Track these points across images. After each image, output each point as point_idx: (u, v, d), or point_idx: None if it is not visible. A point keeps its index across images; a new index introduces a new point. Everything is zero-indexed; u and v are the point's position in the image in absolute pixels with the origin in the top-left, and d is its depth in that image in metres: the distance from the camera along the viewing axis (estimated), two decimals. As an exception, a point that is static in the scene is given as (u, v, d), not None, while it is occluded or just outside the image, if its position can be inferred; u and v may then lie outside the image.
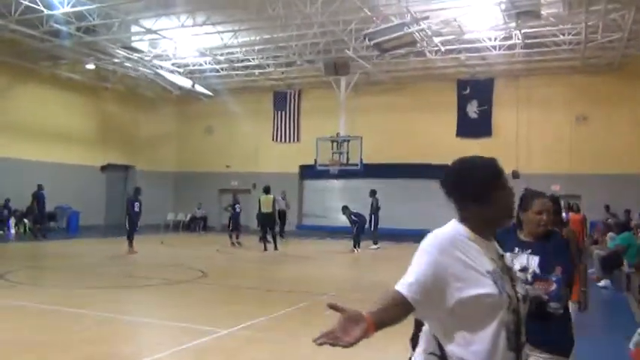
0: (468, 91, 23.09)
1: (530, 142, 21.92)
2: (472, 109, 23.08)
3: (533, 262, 2.83)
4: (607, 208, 18.59)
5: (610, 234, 12.87)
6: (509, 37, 18.68)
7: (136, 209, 15.63)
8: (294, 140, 25.93)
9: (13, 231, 20.52)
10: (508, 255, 2.35)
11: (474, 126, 22.83)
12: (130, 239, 15.40)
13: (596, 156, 20.52)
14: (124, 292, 9.80)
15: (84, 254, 15.45)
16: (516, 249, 2.88)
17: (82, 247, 17.30)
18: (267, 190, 18.03)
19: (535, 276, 2.76)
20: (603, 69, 20.60)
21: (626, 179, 19.71)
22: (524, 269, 2.79)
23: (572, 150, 21.04)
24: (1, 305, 8.06)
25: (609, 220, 14.92)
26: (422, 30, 16.38)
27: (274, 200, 18.05)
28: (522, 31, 17.70)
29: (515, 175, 21.64)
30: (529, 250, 2.88)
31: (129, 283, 10.77)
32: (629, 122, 20.40)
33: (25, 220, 20.98)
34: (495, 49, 19.50)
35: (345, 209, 18.88)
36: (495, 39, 18.97)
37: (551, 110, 21.65)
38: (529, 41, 18.71)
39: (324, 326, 1.60)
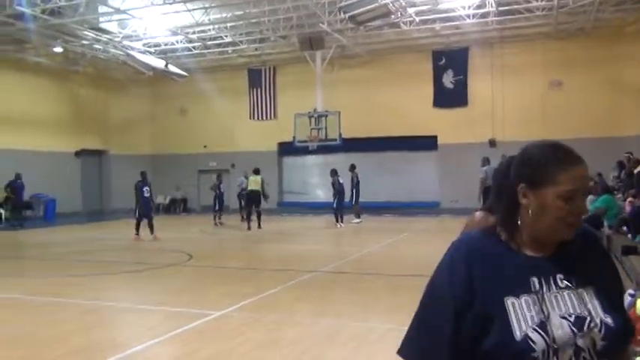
0: (443, 61, 23.09)
1: (505, 110, 22.08)
2: (448, 80, 23.12)
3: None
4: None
5: (590, 196, 13.08)
6: (483, 5, 18.65)
7: (146, 194, 15.06)
8: (271, 117, 25.72)
9: (-13, 222, 20.11)
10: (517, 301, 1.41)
11: (451, 96, 22.91)
12: (150, 224, 14.93)
13: (570, 121, 20.76)
14: (110, 278, 9.68)
15: (64, 242, 15.20)
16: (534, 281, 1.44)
17: (60, 235, 17.02)
18: (257, 172, 18.29)
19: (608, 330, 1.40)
20: (576, 34, 20.75)
21: (600, 142, 20.03)
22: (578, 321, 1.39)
23: (547, 115, 21.26)
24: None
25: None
26: (396, 1, 16.24)
27: (262, 181, 18.16)
28: (496, -1, 17.69)
29: (492, 143, 21.89)
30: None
31: (113, 269, 10.63)
32: (601, 86, 20.66)
33: (1, 211, 20.54)
34: (469, 18, 19.47)
35: (334, 173, 18.92)
36: (469, 7, 18.93)
37: (526, 77, 21.79)
38: (502, 8, 18.70)
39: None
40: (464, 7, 18.92)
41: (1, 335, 5.98)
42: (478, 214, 2.42)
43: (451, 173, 22.20)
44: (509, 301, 1.39)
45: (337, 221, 18.18)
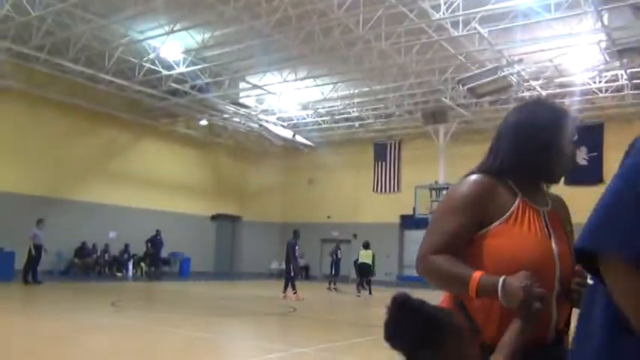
0: (575, 137, 22.11)
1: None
2: (581, 156, 22.03)
3: None
4: None
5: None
6: (616, 79, 17.90)
7: (297, 253, 15.12)
8: (394, 190, 26.07)
9: (130, 273, 22.21)
10: None
11: (583, 172, 21.62)
12: (293, 283, 14.76)
13: None
14: (217, 319, 10.39)
15: (190, 292, 16.42)
16: None
17: (191, 288, 18.34)
18: (366, 246, 18.67)
19: None
20: None
21: None
22: None
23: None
24: (108, 324, 8.86)
25: None
26: (517, 73, 16.24)
27: (373, 255, 18.45)
28: (628, 71, 16.90)
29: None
30: None
31: (222, 313, 11.36)
32: None
33: (142, 264, 22.64)
34: (602, 92, 18.72)
35: None
36: (600, 81, 18.25)
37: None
38: (638, 81, 17.79)
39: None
40: (594, 81, 18.28)
41: (112, 350, 6.75)
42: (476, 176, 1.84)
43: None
44: None
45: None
